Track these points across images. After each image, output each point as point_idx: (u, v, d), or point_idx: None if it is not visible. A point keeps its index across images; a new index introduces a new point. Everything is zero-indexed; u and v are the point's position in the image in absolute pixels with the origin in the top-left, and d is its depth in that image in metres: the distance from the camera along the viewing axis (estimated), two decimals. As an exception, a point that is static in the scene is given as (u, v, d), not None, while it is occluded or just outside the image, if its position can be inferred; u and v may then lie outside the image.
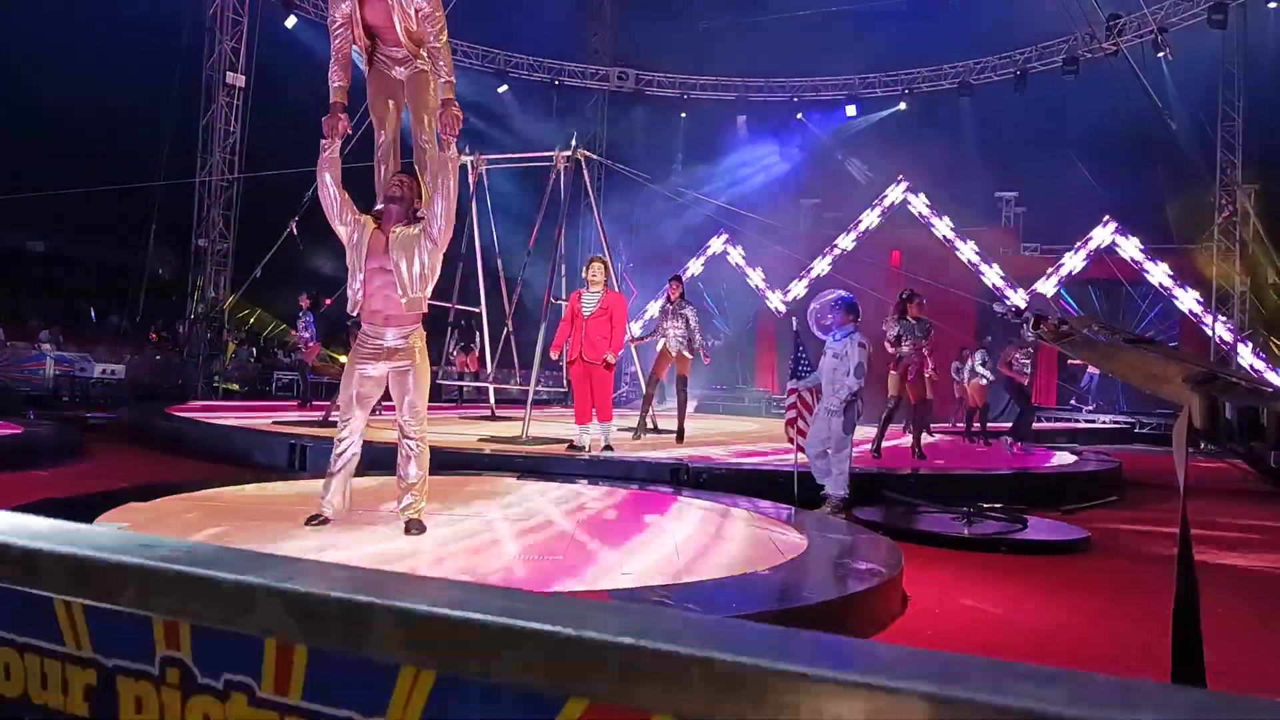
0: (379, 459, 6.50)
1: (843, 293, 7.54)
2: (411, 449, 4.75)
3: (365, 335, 4.74)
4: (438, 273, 4.74)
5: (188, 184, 17.35)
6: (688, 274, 21.93)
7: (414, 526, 4.67)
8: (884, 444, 9.96)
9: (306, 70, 19.17)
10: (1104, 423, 18.41)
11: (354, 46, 4.98)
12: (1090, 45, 19.73)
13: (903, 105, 23.04)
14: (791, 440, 7.25)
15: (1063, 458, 10.87)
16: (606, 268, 8.87)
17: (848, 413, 7.05)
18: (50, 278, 20.57)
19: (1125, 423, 18.26)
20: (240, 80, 17.71)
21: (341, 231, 4.73)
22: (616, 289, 8.95)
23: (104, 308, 20.21)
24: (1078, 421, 18.72)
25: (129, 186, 15.15)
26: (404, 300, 4.63)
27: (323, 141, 4.74)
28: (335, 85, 4.87)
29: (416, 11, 4.82)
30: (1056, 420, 18.85)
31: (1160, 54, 18.30)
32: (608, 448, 8.57)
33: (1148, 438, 17.21)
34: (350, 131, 4.86)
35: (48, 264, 20.53)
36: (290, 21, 19.14)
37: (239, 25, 17.73)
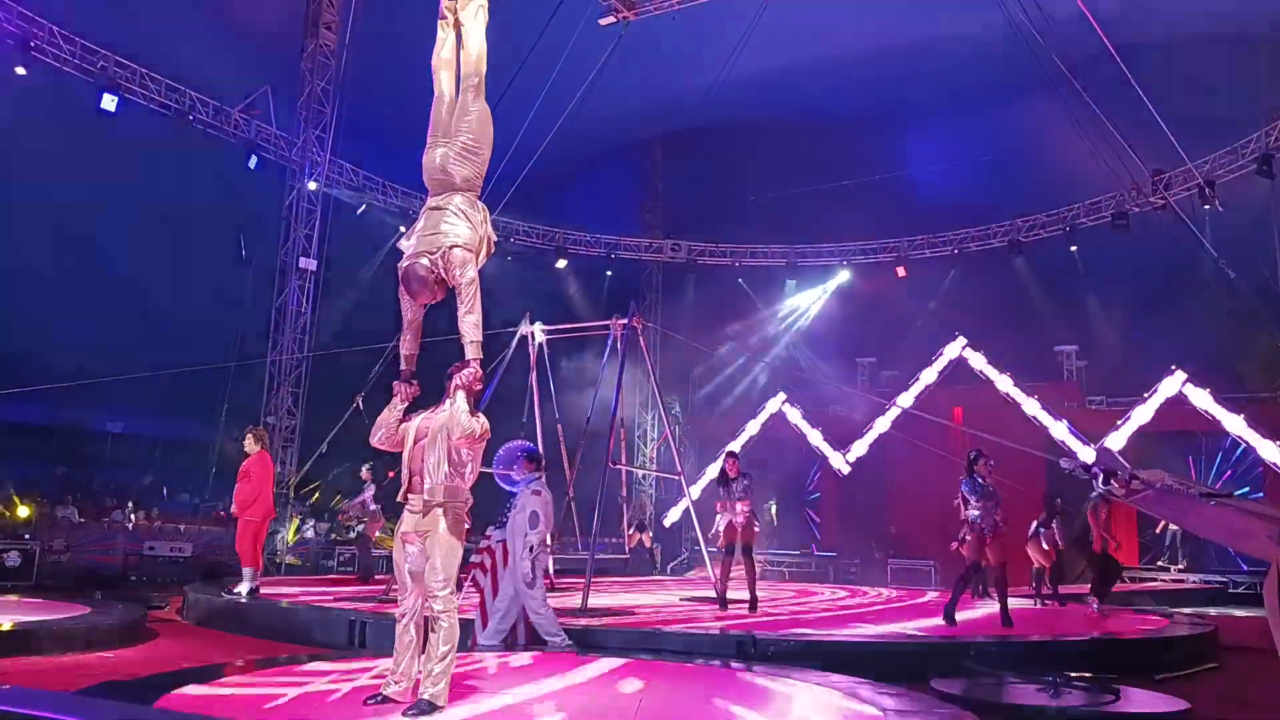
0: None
1: (525, 442, 7.71)
2: (436, 624, 4.70)
3: (407, 507, 4.84)
4: (464, 457, 4.89)
5: (259, 364, 18.01)
6: (746, 436, 21.84)
7: (423, 708, 4.53)
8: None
9: (374, 253, 20.25)
10: (1194, 582, 17.44)
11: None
12: (1138, 200, 19.91)
13: (952, 272, 23.31)
14: (474, 583, 7.51)
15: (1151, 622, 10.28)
16: (255, 436, 10.62)
17: (535, 566, 7.04)
18: (126, 457, 21.18)
19: (1217, 582, 17.27)
20: (312, 265, 18.60)
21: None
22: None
23: (175, 486, 20.67)
24: (1164, 581, 17.76)
25: (204, 367, 15.78)
26: (428, 484, 4.79)
27: (393, 400, 5.09)
28: (405, 354, 5.21)
29: (449, 262, 4.95)
30: (1141, 580, 17.93)
31: (1207, 207, 18.38)
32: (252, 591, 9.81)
33: (1243, 598, 16.22)
34: (419, 393, 5.16)
35: (124, 444, 21.22)
36: (362, 208, 20.31)
37: (313, 214, 18.78)
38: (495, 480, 10.31)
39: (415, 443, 4.89)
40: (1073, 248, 21.63)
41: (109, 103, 15.90)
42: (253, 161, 17.99)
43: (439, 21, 5.39)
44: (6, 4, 14.72)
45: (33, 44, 14.99)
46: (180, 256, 19.76)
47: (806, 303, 25.44)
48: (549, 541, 14.02)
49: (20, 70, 15.11)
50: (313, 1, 18.35)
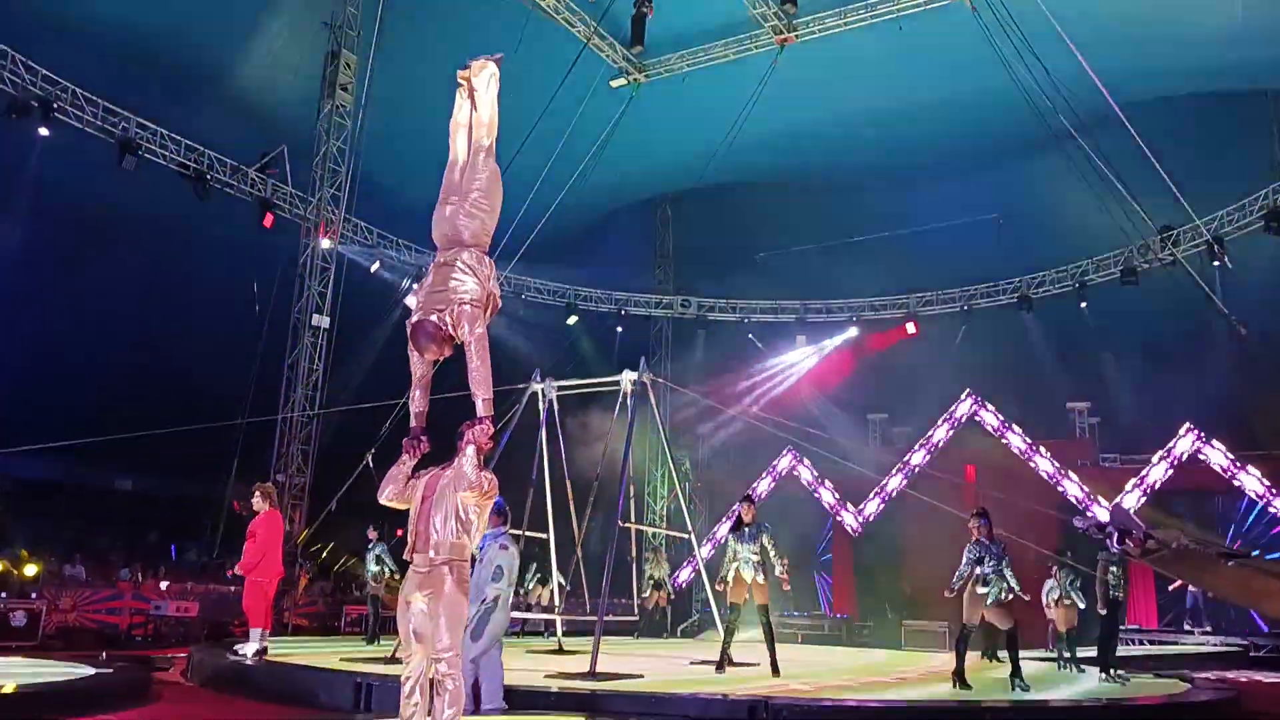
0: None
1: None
2: (441, 686, 4.63)
3: (412, 566, 4.80)
4: (471, 515, 4.83)
5: (270, 421, 18.01)
6: (757, 493, 21.64)
7: None
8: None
9: (386, 311, 20.39)
10: (1215, 645, 17.06)
11: None
12: (1146, 256, 19.93)
13: (963, 329, 23.29)
14: None
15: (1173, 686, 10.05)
16: (264, 494, 10.40)
17: (481, 619, 6.83)
18: (135, 514, 21.13)
19: (1238, 645, 16.90)
20: (325, 322, 18.70)
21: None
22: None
23: (183, 543, 20.58)
24: (1184, 644, 17.37)
25: (215, 425, 15.78)
26: (434, 541, 4.76)
27: (403, 457, 5.05)
28: (415, 411, 5.21)
29: (459, 317, 5.00)
30: (1160, 643, 17.55)
31: (1217, 263, 18.36)
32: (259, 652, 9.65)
33: (1265, 662, 15.86)
34: (429, 450, 5.14)
35: (133, 501, 21.20)
36: (374, 266, 20.49)
37: (326, 272, 18.91)
38: None
39: (423, 500, 4.87)
40: (1082, 304, 21.60)
41: (129, 163, 16.17)
42: (268, 220, 18.18)
43: (457, 90, 5.52)
44: (31, 66, 15.04)
45: (55, 105, 15.29)
46: (193, 313, 19.89)
47: (811, 358, 25.40)
48: (559, 600, 13.93)
49: (43, 131, 15.41)
50: (330, 64, 18.74)
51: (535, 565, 16.27)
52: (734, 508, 10.73)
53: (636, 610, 16.73)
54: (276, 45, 18.32)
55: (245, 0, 17.55)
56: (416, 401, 5.17)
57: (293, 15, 18.10)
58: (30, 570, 15.19)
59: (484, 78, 5.52)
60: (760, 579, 9.82)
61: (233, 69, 18.46)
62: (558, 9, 17.98)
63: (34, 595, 13.37)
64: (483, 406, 4.89)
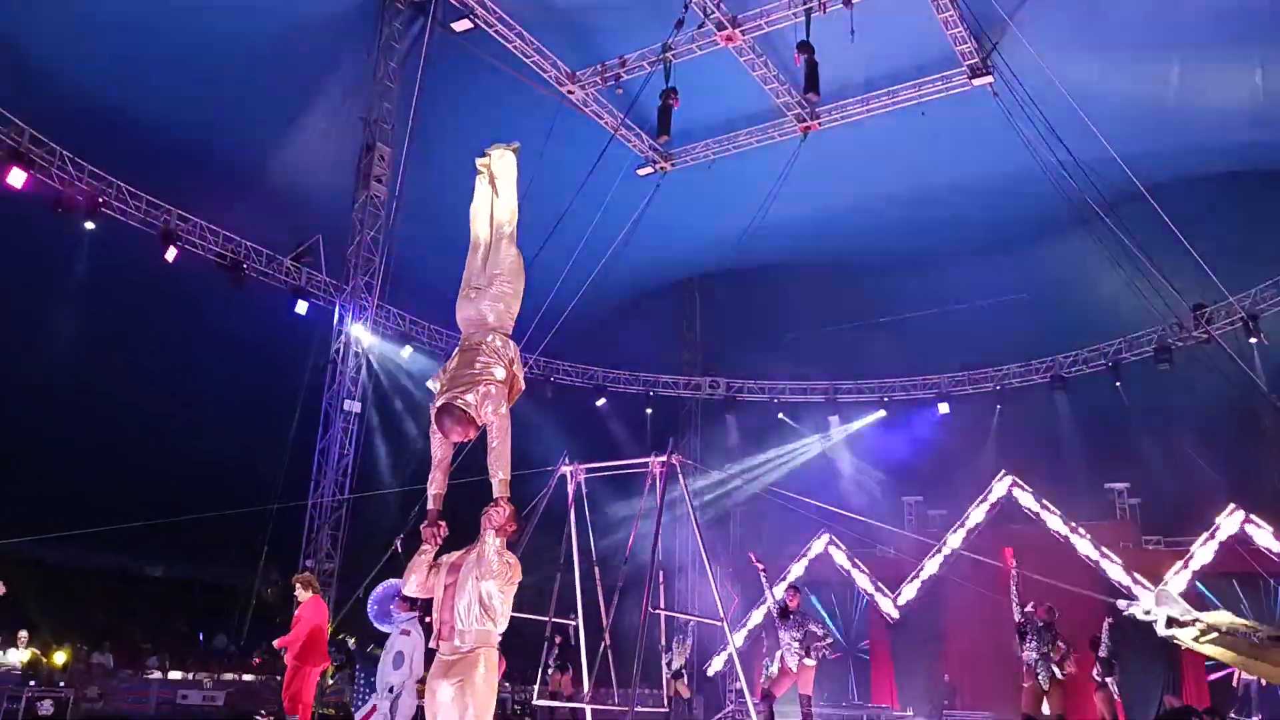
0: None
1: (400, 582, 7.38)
2: None
3: (439, 654, 4.73)
4: (495, 600, 4.75)
5: (300, 506, 18.00)
6: (790, 578, 21.22)
7: None
8: None
9: (418, 396, 20.54)
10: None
11: None
12: (1180, 334, 19.71)
13: (999, 409, 23.04)
14: None
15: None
16: (303, 583, 10.40)
17: (393, 708, 6.64)
18: (164, 601, 21.08)
19: (1297, 735, 16.14)
20: (357, 407, 18.82)
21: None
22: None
23: (212, 630, 20.45)
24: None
25: (245, 511, 15.83)
26: (459, 628, 4.68)
27: (424, 546, 5.06)
28: (432, 492, 5.19)
29: (483, 398, 5.00)
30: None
31: (1253, 340, 18.13)
32: None
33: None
34: (449, 533, 5.13)
35: (163, 587, 21.16)
36: (406, 351, 20.71)
37: (359, 358, 19.12)
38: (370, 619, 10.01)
39: (446, 587, 4.81)
40: (1117, 383, 21.30)
41: (170, 254, 16.68)
42: (301, 307, 18.51)
43: (477, 176, 5.66)
44: (78, 163, 15.67)
45: (101, 200, 15.86)
46: (226, 398, 20.13)
47: (843, 439, 25.16)
48: (588, 686, 13.60)
49: (89, 225, 15.97)
50: (365, 156, 19.27)
51: (557, 651, 15.95)
52: (767, 593, 10.61)
53: (666, 700, 16.34)
54: (313, 139, 18.89)
55: (283, 97, 18.16)
56: (436, 483, 5.17)
57: (329, 111, 18.70)
58: (59, 658, 15.14)
59: (503, 166, 5.65)
60: (806, 660, 9.74)
61: (270, 161, 19.02)
62: (586, 102, 18.49)
63: (61, 684, 13.29)
64: (499, 487, 4.86)
